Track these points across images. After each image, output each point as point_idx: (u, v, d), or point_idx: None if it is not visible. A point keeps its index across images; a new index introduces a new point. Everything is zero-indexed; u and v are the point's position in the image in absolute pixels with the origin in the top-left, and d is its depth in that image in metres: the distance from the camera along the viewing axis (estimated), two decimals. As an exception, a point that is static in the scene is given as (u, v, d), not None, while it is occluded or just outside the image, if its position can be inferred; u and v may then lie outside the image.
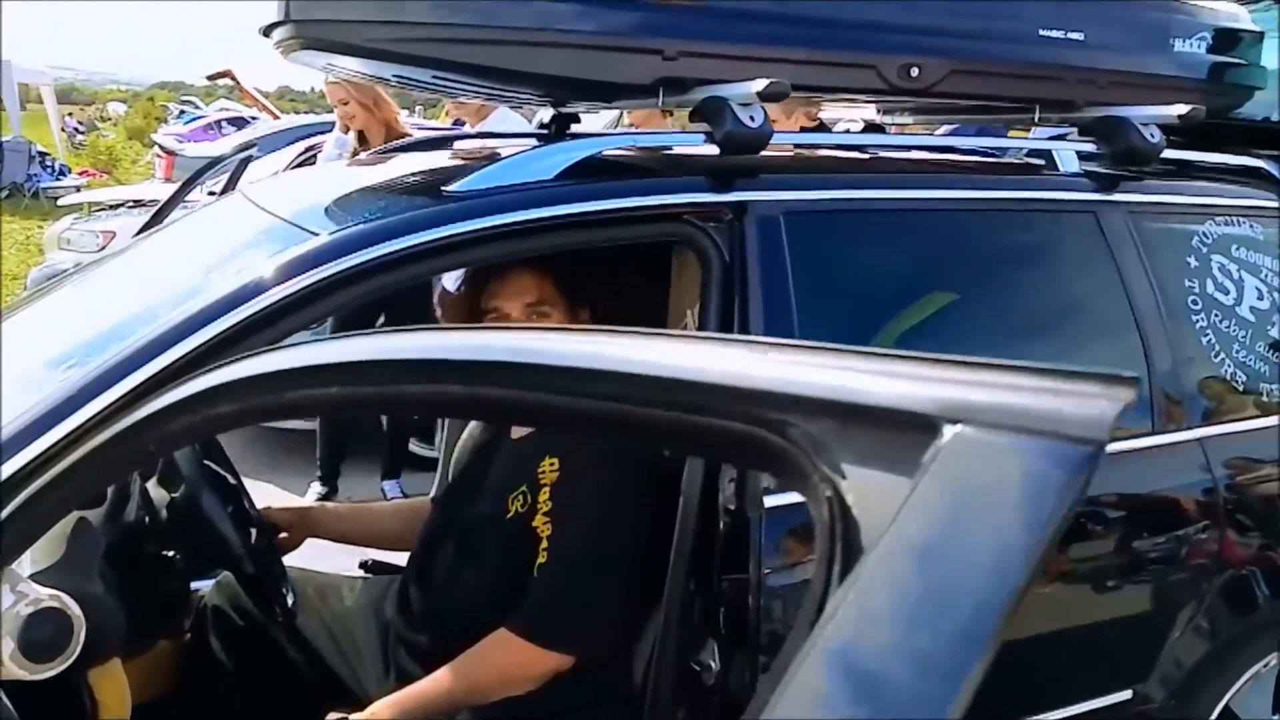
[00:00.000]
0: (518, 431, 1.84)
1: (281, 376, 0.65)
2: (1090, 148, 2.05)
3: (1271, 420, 2.01)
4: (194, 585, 1.81)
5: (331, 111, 4.66)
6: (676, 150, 1.96)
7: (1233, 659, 1.98)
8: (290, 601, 1.71)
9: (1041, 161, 2.06)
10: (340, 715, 1.66)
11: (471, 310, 1.85)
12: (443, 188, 1.60)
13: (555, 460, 1.69)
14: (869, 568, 0.36)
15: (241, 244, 1.61)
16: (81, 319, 1.65)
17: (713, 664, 1.58)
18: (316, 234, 1.48)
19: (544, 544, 1.64)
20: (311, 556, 2.05)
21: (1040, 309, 1.88)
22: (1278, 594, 1.99)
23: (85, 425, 1.08)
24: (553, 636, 1.60)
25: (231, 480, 1.70)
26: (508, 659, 1.61)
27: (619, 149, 1.88)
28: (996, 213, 1.87)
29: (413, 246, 1.49)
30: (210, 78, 9.88)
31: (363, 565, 2.12)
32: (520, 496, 1.71)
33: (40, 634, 1.09)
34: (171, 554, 1.57)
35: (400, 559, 2.09)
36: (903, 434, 0.39)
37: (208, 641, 1.82)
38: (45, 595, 1.10)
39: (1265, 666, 2.02)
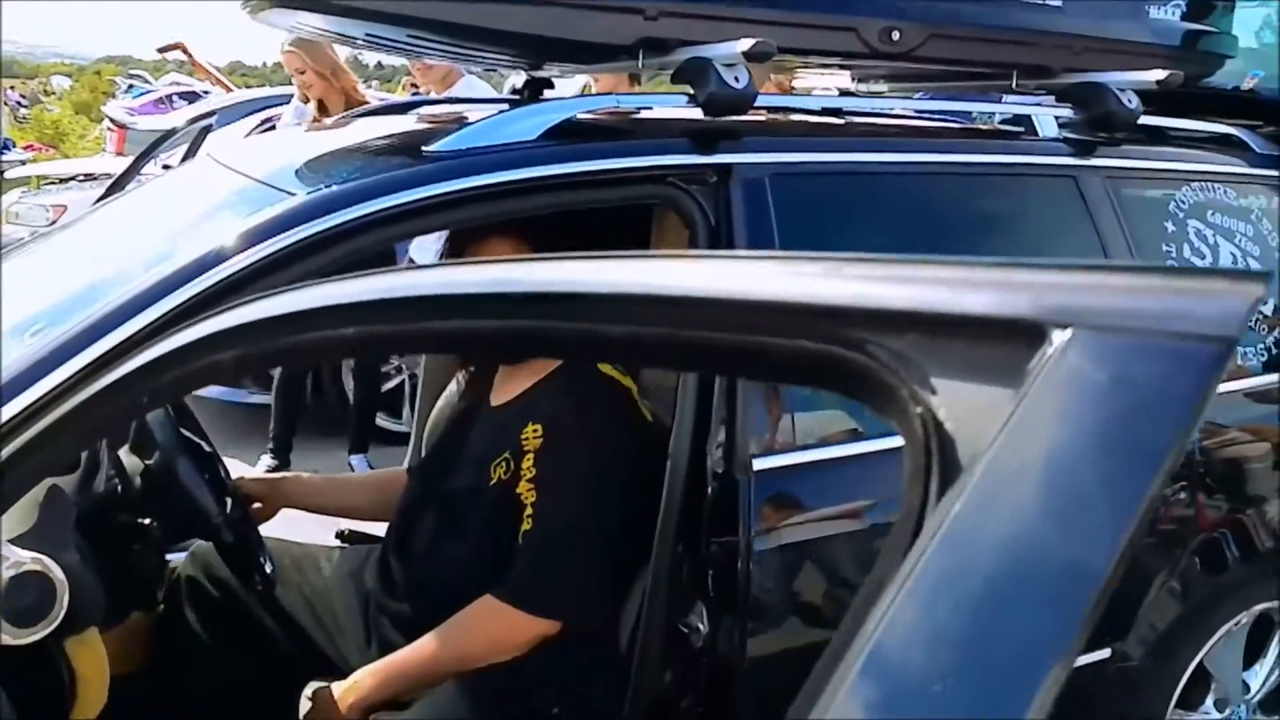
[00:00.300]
0: (498, 399, 1.82)
1: (289, 320, 0.62)
2: (1068, 113, 2.05)
3: (1242, 384, 2.03)
4: (166, 556, 1.77)
5: (287, 84, 4.57)
6: (659, 112, 1.93)
7: (1206, 618, 2.01)
8: (269, 570, 1.68)
9: (1021, 128, 2.06)
10: (321, 685, 1.63)
11: None
12: (422, 148, 1.57)
13: (538, 426, 1.67)
14: (974, 483, 0.35)
15: (214, 206, 1.57)
16: (47, 284, 1.59)
17: (701, 627, 1.57)
18: (293, 194, 1.44)
19: (528, 510, 1.62)
20: (284, 528, 2.01)
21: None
22: (1248, 555, 2.02)
23: (62, 386, 1.03)
24: (539, 603, 1.58)
25: (206, 448, 1.66)
26: (494, 626, 1.59)
27: (601, 110, 1.85)
28: (979, 177, 1.86)
29: (393, 207, 1.46)
30: (160, 50, 9.56)
31: (339, 535, 2.09)
32: (503, 464, 1.68)
33: (23, 598, 1.05)
34: (147, 522, 1.52)
35: (377, 529, 2.07)
36: (1002, 343, 0.37)
37: (182, 613, 1.78)
38: (27, 558, 1.06)
39: (1236, 625, 2.05)
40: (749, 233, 1.63)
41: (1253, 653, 2.14)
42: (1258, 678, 2.13)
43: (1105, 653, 1.88)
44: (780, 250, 1.63)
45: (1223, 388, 2.01)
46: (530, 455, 1.65)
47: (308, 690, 1.66)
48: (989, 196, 1.89)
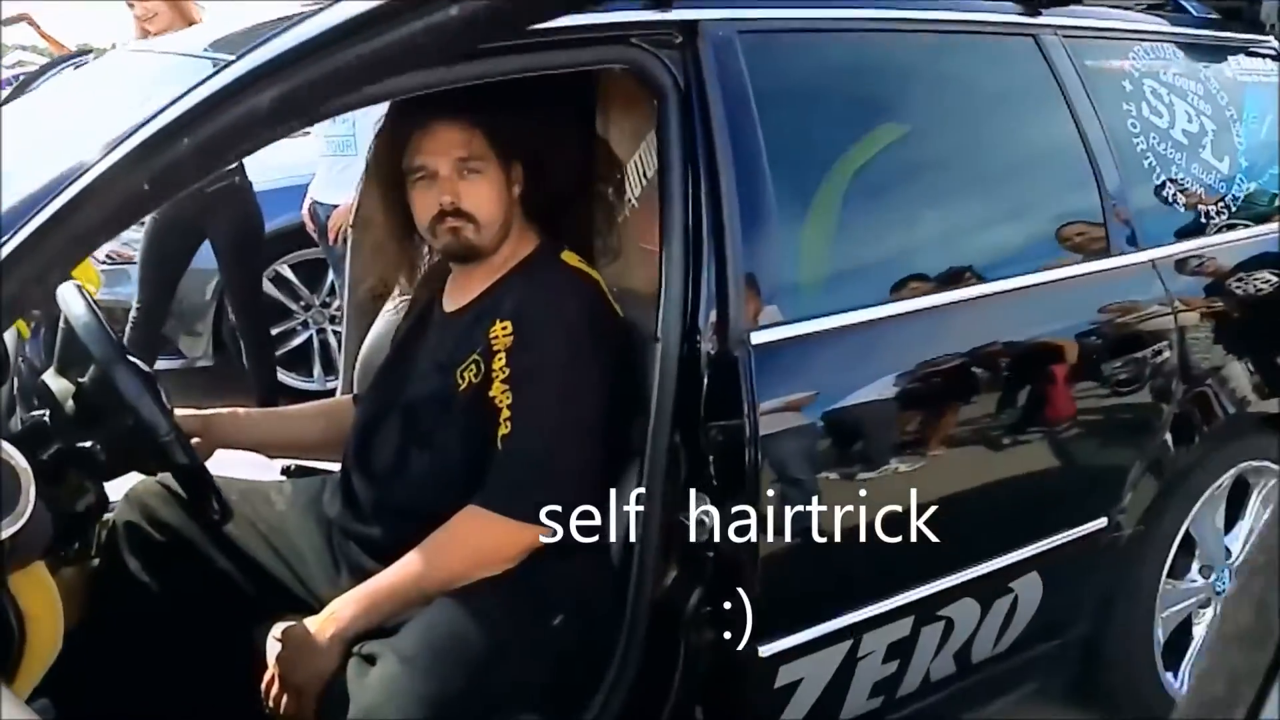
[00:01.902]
0: (452, 304, 1.67)
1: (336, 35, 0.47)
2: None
3: (1213, 240, 2.01)
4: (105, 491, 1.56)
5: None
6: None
7: (1191, 481, 1.99)
8: (225, 498, 1.51)
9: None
10: (290, 623, 1.48)
11: (392, 175, 1.65)
12: None
13: (507, 323, 1.53)
14: None
15: (150, 81, 1.36)
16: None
17: (705, 519, 1.47)
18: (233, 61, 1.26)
19: (505, 414, 1.49)
20: (218, 470, 1.82)
21: (994, 130, 1.82)
22: (1230, 415, 2.00)
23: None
24: (528, 508, 1.45)
25: (143, 366, 1.46)
26: (481, 537, 1.45)
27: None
28: (956, 34, 1.78)
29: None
30: (5, 23, 8.90)
31: (285, 471, 1.91)
32: (472, 366, 1.54)
33: None
34: (87, 445, 1.32)
35: (325, 466, 1.90)
36: None
37: (123, 562, 1.59)
38: None
39: (1218, 488, 2.05)
40: (724, 100, 1.51)
41: (1233, 520, 2.14)
42: (1237, 542, 2.13)
43: (1102, 521, 1.85)
44: (758, 112, 1.52)
45: (1198, 244, 1.98)
46: (501, 354, 1.52)
47: (275, 631, 1.51)
48: (963, 54, 1.81)
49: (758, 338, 1.47)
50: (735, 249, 1.48)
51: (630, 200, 1.81)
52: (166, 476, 1.62)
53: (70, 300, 1.43)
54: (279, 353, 4.18)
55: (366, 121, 3.11)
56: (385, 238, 1.77)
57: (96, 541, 1.60)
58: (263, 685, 1.45)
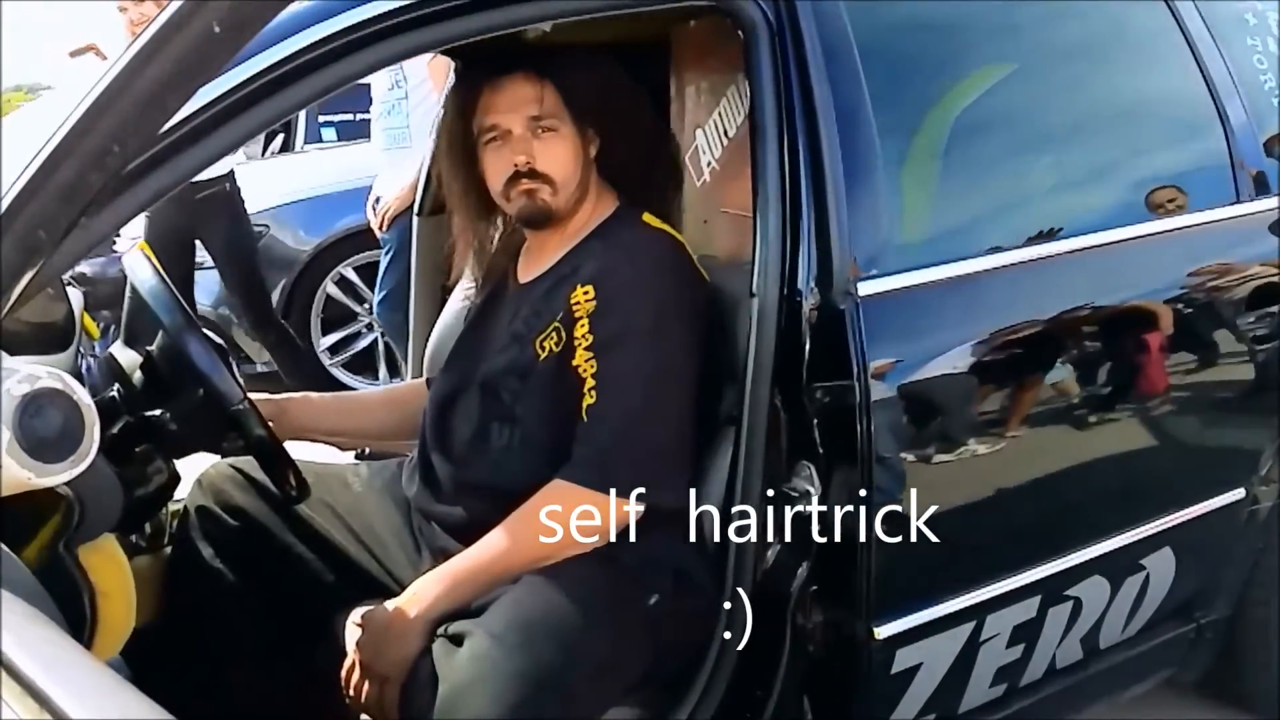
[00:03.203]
0: (527, 275, 1.58)
1: None
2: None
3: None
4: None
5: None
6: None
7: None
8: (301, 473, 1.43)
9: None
10: (371, 607, 1.40)
11: (462, 141, 1.56)
12: None
13: (589, 288, 1.43)
14: None
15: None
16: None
17: (811, 490, 1.35)
18: None
19: (589, 383, 1.39)
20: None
21: (1106, 70, 1.68)
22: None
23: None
24: (617, 480, 1.34)
25: (215, 338, 1.39)
26: (567, 514, 1.34)
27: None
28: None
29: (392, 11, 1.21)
30: (73, 54, 9.07)
31: (359, 455, 1.83)
32: (552, 334, 1.44)
33: (44, 422, 0.81)
34: (157, 413, 1.25)
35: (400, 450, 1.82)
36: None
37: (196, 550, 1.52)
38: (43, 374, 0.82)
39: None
40: (820, 36, 1.40)
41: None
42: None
43: (1240, 492, 1.71)
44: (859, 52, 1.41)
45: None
46: (584, 321, 1.42)
47: (355, 616, 1.43)
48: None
49: (865, 288, 1.35)
50: (837, 192, 1.36)
51: (711, 163, 1.71)
52: (238, 460, 1.56)
53: (138, 268, 1.36)
54: (344, 357, 4.22)
55: (419, 113, 3.16)
56: (456, 211, 1.69)
57: (169, 527, 1.53)
58: (343, 673, 1.36)
